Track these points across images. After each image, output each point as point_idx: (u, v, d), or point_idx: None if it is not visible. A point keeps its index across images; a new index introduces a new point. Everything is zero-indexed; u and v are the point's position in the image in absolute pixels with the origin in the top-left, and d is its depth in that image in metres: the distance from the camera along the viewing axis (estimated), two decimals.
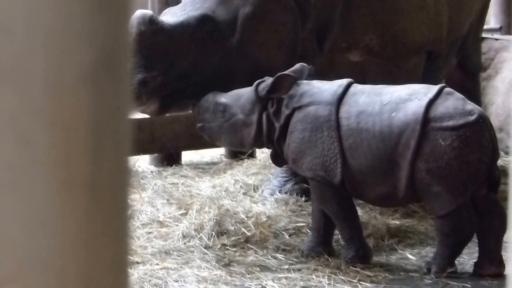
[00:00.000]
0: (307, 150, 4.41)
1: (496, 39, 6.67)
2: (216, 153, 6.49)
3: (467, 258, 4.69)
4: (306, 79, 4.57)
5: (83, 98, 0.98)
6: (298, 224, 4.86)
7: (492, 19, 6.95)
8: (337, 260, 4.52)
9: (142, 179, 5.76)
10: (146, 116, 6.39)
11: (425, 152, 4.24)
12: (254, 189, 5.48)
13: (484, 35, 6.47)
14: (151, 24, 4.57)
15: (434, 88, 4.37)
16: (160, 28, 4.60)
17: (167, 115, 6.12)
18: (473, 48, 6.17)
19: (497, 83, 6.64)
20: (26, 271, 0.98)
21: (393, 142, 4.26)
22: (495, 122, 6.67)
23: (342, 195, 4.45)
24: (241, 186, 5.49)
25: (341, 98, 4.41)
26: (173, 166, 6.11)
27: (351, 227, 4.46)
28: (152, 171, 6.02)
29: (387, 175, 4.29)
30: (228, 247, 4.70)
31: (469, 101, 4.39)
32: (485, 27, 6.39)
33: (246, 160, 6.12)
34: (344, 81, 4.51)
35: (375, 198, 4.42)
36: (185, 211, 5.06)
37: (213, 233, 4.78)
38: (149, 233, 4.89)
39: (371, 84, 4.58)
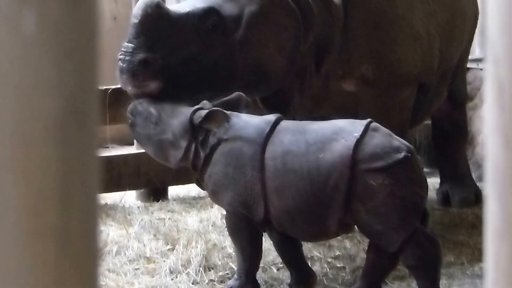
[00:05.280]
0: (229, 186, 4.42)
1: (481, 69, 6.72)
2: None
3: None
4: (240, 110, 4.59)
5: (51, 147, 1.00)
6: None
7: (477, 49, 7.01)
8: None
9: (129, 214, 5.76)
10: (132, 151, 6.43)
11: (358, 194, 4.25)
12: None
13: (469, 65, 6.52)
14: (158, 9, 4.65)
15: (360, 125, 4.36)
16: (166, 14, 4.70)
17: None
18: (459, 78, 6.22)
19: (484, 113, 6.68)
20: None
21: (322, 184, 4.27)
22: (482, 151, 6.71)
23: (255, 231, 4.49)
24: None
25: (268, 137, 4.41)
26: (159, 201, 6.12)
27: (251, 263, 4.53)
28: (138, 207, 6.03)
29: (316, 215, 4.31)
30: (215, 283, 4.71)
31: (395, 136, 4.40)
32: (470, 57, 6.45)
33: None
34: (272, 118, 4.51)
35: (304, 236, 4.47)
36: (172, 246, 5.07)
37: (201, 268, 4.79)
38: (136, 269, 4.90)
39: (364, 116, 4.59)
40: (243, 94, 4.66)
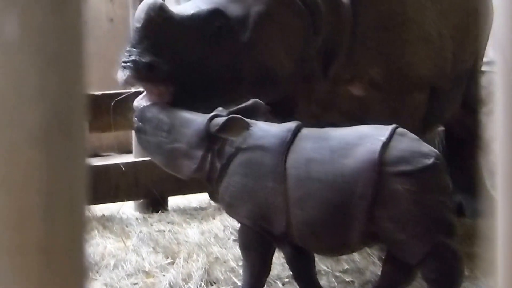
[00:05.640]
0: (248, 198, 4.39)
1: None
2: (204, 198, 6.50)
3: None
4: (258, 118, 4.57)
5: (34, 158, 1.00)
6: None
7: (491, 51, 7.01)
8: None
9: (127, 226, 5.77)
10: (130, 160, 6.44)
11: (383, 200, 4.22)
12: None
13: (483, 68, 6.51)
14: (161, 11, 4.64)
15: (386, 130, 4.35)
16: (169, 17, 4.68)
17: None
18: (473, 81, 6.21)
19: (494, 119, 6.65)
20: None
21: (348, 191, 4.24)
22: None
23: (268, 248, 4.48)
24: (231, 232, 5.50)
25: (289, 145, 4.39)
26: (159, 212, 6.13)
27: (258, 280, 4.52)
28: (137, 218, 6.03)
29: (340, 226, 4.29)
30: None
31: (423, 143, 4.39)
32: (484, 59, 6.44)
33: None
34: (293, 125, 4.49)
35: (325, 249, 4.44)
36: (172, 260, 5.07)
37: (202, 283, 4.79)
38: (135, 284, 4.89)
39: (373, 122, 4.58)
40: (260, 101, 4.62)
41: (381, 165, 4.22)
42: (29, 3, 1.03)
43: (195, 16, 4.79)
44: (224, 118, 4.40)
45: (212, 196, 4.75)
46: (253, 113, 4.57)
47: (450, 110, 5.89)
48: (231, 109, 4.50)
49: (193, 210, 6.25)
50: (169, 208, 6.33)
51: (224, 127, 4.39)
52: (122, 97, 5.81)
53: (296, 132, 4.44)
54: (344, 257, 5.20)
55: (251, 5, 4.91)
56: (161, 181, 6.11)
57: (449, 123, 6.28)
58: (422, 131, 5.55)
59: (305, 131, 4.47)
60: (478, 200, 6.17)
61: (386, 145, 4.26)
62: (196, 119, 4.49)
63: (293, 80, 4.99)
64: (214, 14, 4.82)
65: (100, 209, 6.04)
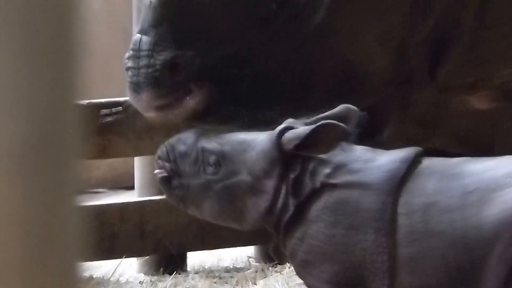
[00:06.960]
0: (336, 255, 4.35)
1: None
2: (241, 255, 6.53)
3: None
4: (351, 133, 4.51)
5: (13, 192, 1.03)
6: None
7: None
8: None
9: None
10: (131, 199, 6.48)
11: None
12: None
13: None
14: None
15: None
16: None
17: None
18: None
19: None
20: None
21: (483, 251, 4.21)
22: None
23: None
24: None
25: (402, 183, 4.38)
26: (174, 274, 6.17)
27: None
28: (141, 282, 6.08)
29: None
30: None
31: None
32: None
33: (287, 264, 6.13)
34: (409, 153, 4.42)
35: None
36: None
37: None
38: None
39: (504, 148, 4.57)
40: (353, 107, 4.47)
41: None
42: None
43: None
44: (303, 128, 4.29)
45: (275, 253, 4.71)
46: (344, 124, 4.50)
47: None
48: (310, 119, 4.43)
49: (224, 271, 6.29)
50: (189, 268, 6.37)
51: (308, 139, 4.33)
52: (110, 102, 5.84)
53: (413, 164, 4.40)
54: None
55: None
56: (179, 229, 6.15)
57: None
58: None
59: (428, 162, 4.40)
60: None
61: None
62: (257, 138, 4.41)
63: (387, 83, 4.97)
64: None
65: (88, 268, 6.09)
